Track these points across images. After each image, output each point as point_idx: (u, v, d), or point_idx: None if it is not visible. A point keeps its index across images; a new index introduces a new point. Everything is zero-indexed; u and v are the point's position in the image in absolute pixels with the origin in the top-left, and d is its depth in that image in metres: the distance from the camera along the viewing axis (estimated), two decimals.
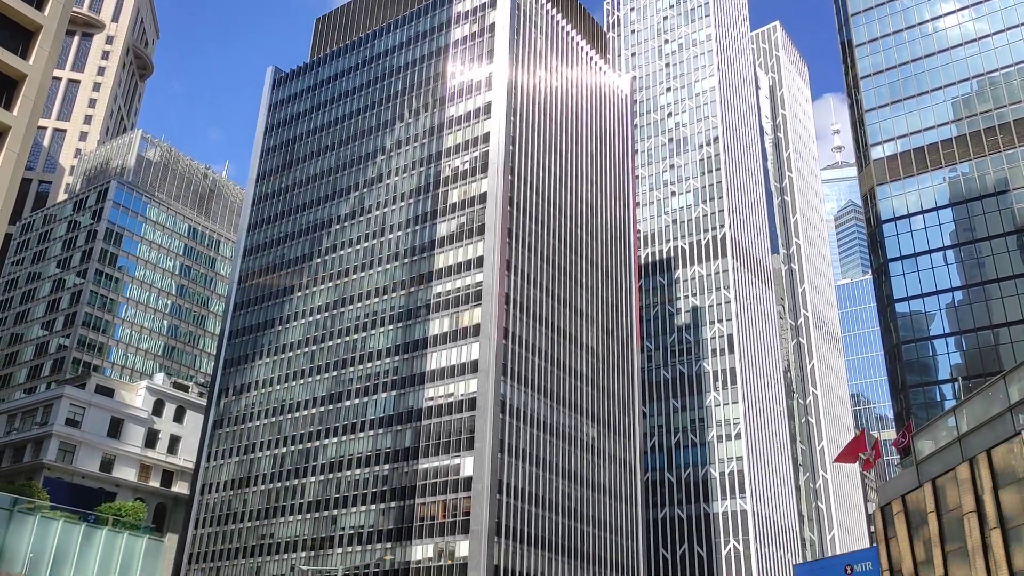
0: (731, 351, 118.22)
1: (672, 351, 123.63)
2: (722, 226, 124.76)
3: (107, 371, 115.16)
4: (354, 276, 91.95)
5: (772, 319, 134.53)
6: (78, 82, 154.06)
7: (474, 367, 78.33)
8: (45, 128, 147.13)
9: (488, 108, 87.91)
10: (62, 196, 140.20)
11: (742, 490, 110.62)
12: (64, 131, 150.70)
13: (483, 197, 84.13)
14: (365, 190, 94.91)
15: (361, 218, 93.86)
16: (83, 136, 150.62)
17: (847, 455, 41.24)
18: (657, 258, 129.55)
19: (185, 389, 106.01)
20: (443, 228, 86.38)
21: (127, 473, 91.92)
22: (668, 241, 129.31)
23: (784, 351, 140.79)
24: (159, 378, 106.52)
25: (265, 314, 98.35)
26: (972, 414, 23.45)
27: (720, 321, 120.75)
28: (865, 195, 77.23)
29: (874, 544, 36.04)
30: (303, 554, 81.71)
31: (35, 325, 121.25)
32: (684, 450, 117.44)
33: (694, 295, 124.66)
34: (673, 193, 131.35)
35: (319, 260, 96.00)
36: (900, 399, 60.18)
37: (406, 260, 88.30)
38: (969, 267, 64.87)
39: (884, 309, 68.07)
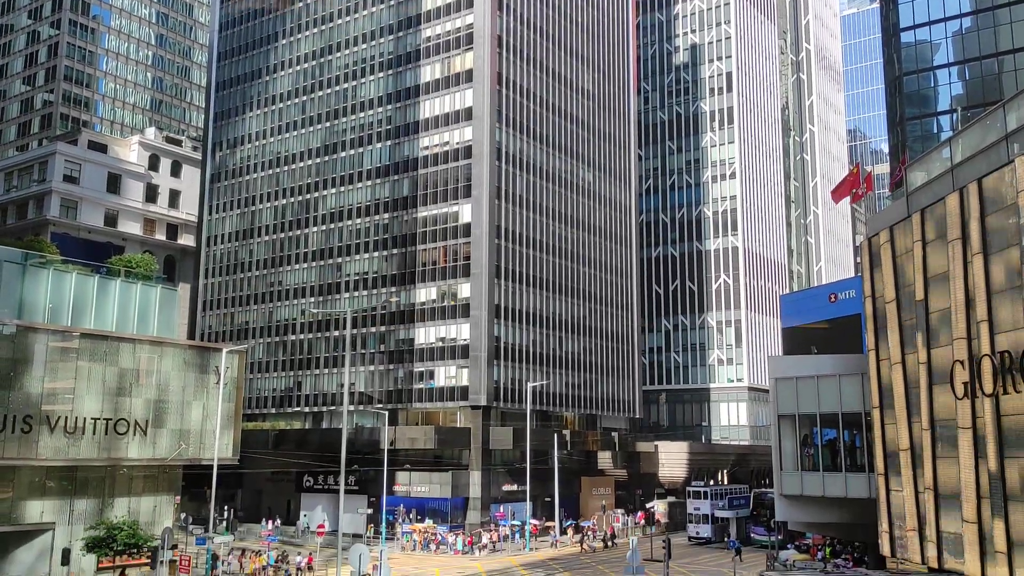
0: (729, 90, 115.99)
1: (669, 92, 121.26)
2: None
3: (97, 127, 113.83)
4: (339, 20, 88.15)
5: (773, 55, 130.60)
6: None
7: (468, 114, 77.27)
8: None
9: None
10: None
11: (734, 228, 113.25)
12: None
13: None
14: None
15: None
16: None
17: (842, 192, 41.77)
18: None
19: (178, 144, 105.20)
20: None
21: (132, 227, 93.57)
22: None
23: (783, 87, 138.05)
24: (151, 133, 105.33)
25: (251, 64, 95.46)
26: (967, 144, 23.49)
27: (719, 59, 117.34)
28: None
29: (859, 274, 37.53)
30: (311, 299, 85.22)
31: (16, 80, 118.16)
32: (679, 191, 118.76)
33: (693, 32, 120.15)
34: None
35: (301, 4, 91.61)
36: (897, 132, 59.89)
37: (392, 2, 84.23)
38: None
39: (889, 40, 65.89)
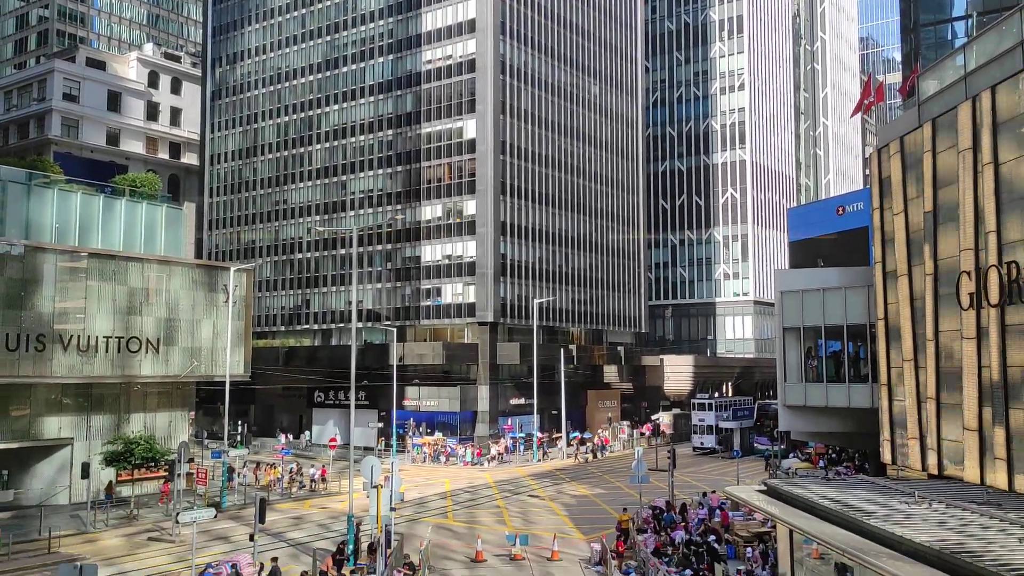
0: None
1: (677, 0, 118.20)
2: None
3: (94, 43, 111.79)
4: None
5: None
6: None
7: (471, 26, 75.57)
8: None
9: None
10: None
11: (742, 141, 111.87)
12: None
13: None
14: None
15: None
16: None
17: (858, 106, 41.00)
18: None
19: (177, 60, 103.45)
20: None
21: (134, 146, 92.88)
22: None
23: None
24: (149, 48, 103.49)
25: None
26: (981, 51, 22.94)
27: None
28: None
29: (867, 186, 37.23)
30: (317, 217, 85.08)
31: None
32: (686, 104, 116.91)
33: None
34: None
35: None
36: (910, 39, 58.42)
37: None
38: None
39: None
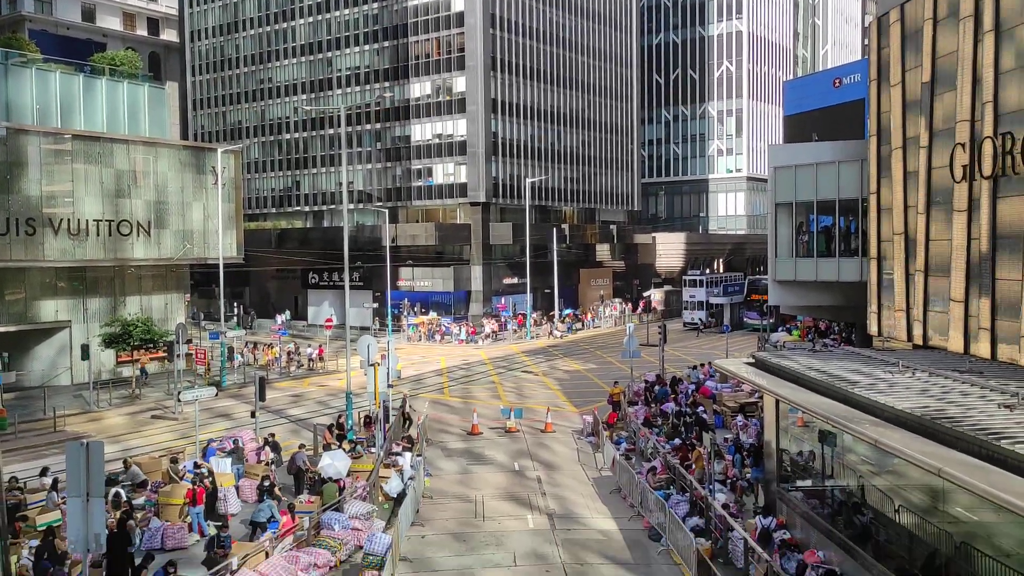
0: None
1: None
2: None
3: None
4: None
5: None
6: None
7: None
8: None
9: None
10: None
11: (739, 11, 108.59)
12: None
13: None
14: None
15: None
16: None
17: None
18: None
19: None
20: None
21: (111, 23, 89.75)
22: None
23: None
24: None
25: None
26: None
27: None
28: None
29: (866, 57, 36.41)
30: (303, 96, 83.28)
31: None
32: None
33: None
34: None
35: None
36: None
37: None
38: None
39: None
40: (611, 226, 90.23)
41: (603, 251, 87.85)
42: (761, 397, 26.35)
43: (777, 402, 21.36)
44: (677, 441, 28.63)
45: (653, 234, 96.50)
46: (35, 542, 18.87)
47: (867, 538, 17.20)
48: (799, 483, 21.41)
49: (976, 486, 12.02)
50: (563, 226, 79.86)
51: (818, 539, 19.00)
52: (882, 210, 25.95)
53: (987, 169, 20.11)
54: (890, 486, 16.86)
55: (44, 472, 23.85)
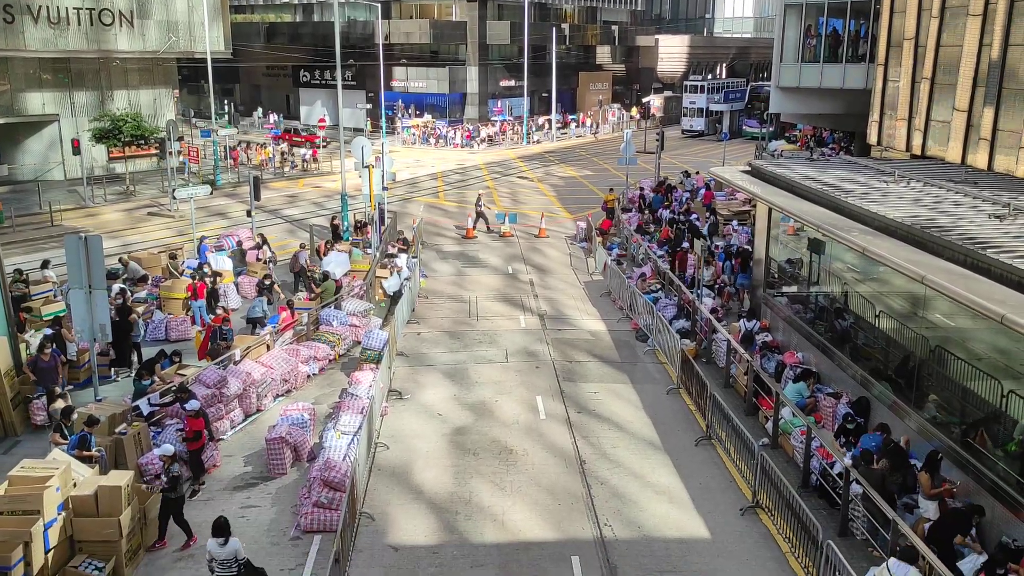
0: None
1: None
2: None
3: None
4: None
5: None
6: None
7: None
8: None
9: None
10: None
11: None
12: None
13: None
14: None
15: None
16: None
17: None
18: None
19: None
20: None
21: None
22: None
23: None
24: None
25: None
26: None
27: None
28: None
29: None
30: None
31: None
32: None
33: None
34: None
35: None
36: None
37: None
38: None
39: None
40: (612, 27, 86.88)
41: (604, 53, 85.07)
42: (755, 206, 26.46)
43: (770, 210, 21.47)
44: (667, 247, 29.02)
45: (656, 36, 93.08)
46: (48, 330, 19.12)
47: (845, 341, 17.85)
48: (784, 289, 21.93)
49: (957, 292, 12.32)
50: (563, 26, 76.82)
51: (798, 341, 19.72)
52: (895, 13, 24.96)
53: None
54: (873, 292, 17.29)
55: (45, 264, 24.19)
